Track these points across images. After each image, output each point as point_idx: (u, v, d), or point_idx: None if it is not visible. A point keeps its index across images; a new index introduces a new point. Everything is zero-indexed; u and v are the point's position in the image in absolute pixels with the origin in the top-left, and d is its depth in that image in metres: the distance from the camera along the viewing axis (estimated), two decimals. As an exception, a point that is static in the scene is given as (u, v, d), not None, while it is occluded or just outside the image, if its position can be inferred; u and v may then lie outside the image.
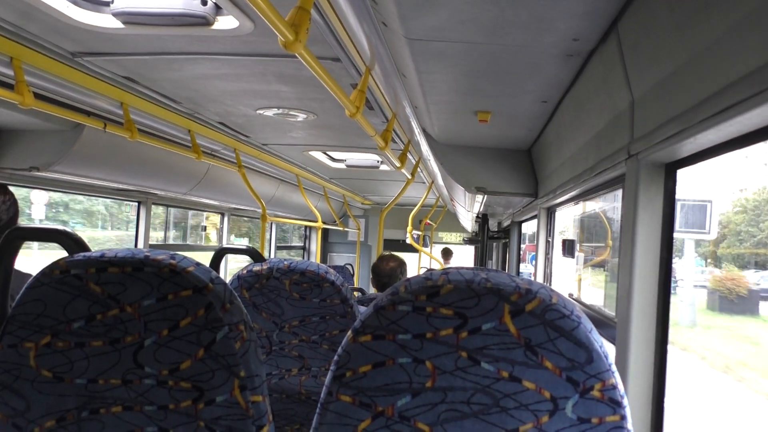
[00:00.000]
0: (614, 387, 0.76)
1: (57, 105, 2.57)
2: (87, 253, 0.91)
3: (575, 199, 2.74)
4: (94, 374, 0.89)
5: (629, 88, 1.54)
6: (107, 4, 1.95)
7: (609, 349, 0.79)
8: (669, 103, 1.30)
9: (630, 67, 1.50)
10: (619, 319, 1.59)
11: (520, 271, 5.36)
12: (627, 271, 1.53)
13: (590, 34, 1.57)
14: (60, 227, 0.99)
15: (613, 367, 0.77)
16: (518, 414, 0.77)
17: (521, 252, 5.34)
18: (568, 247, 3.39)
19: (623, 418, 0.76)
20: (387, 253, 3.46)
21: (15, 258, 1.05)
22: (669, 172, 1.50)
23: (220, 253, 1.84)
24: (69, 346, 0.89)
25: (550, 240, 3.51)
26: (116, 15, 1.95)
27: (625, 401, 0.77)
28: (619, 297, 1.61)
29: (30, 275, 1.82)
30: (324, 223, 6.87)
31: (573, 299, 3.34)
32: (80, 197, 6.27)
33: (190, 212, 6.52)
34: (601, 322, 2.07)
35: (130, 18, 1.95)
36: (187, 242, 6.76)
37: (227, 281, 1.01)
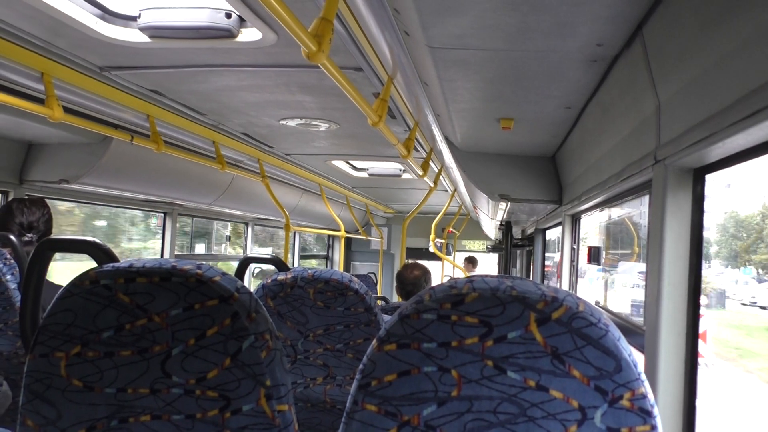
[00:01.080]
0: (644, 396, 0.74)
1: (85, 118, 2.63)
2: (116, 264, 0.93)
3: (601, 205, 2.71)
4: (123, 383, 0.91)
5: (655, 93, 1.52)
6: (134, 19, 1.99)
7: (638, 358, 0.78)
8: (696, 107, 1.28)
9: (655, 71, 1.48)
10: (648, 327, 1.56)
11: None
12: (655, 279, 1.51)
13: (614, 38, 1.56)
14: (90, 238, 1.01)
15: (643, 376, 0.75)
16: (546, 424, 0.76)
17: (545, 264, 5.23)
18: (594, 255, 3.34)
19: (654, 428, 0.75)
20: (411, 262, 3.46)
21: (47, 269, 1.07)
22: (697, 177, 1.47)
23: (244, 263, 1.85)
24: (99, 355, 0.91)
25: (575, 247, 3.47)
26: (143, 29, 1.99)
27: (656, 411, 0.75)
28: (647, 304, 1.58)
29: (60, 286, 1.87)
30: (347, 232, 6.89)
31: (600, 307, 3.29)
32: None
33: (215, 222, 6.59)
34: (630, 330, 2.03)
35: (156, 32, 1.99)
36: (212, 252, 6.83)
37: (252, 290, 1.01)
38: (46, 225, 2.16)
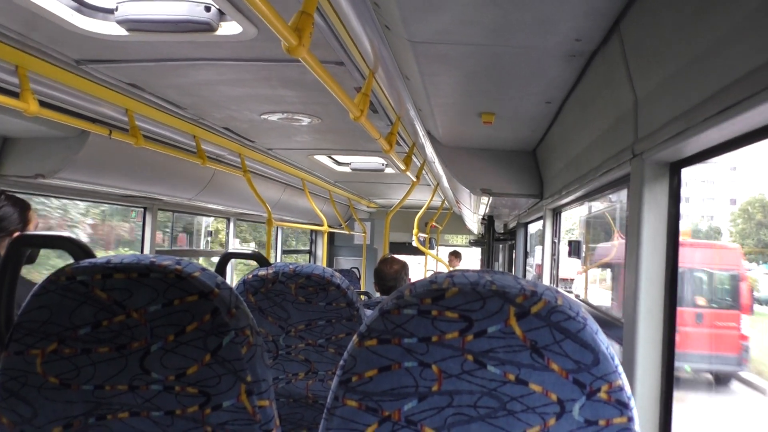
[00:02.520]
0: (621, 388, 0.76)
1: (62, 112, 2.59)
2: (93, 260, 0.92)
3: (581, 199, 2.73)
4: (101, 380, 0.90)
5: (632, 88, 1.53)
6: (111, 12, 1.96)
7: (616, 350, 0.79)
8: (673, 102, 1.30)
9: (633, 66, 1.49)
10: (626, 320, 1.58)
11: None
12: (633, 272, 1.53)
13: (593, 34, 1.57)
14: (65, 234, 0.99)
15: (620, 369, 0.76)
16: (525, 417, 0.76)
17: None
18: (574, 248, 3.38)
19: (630, 419, 0.76)
20: (389, 256, 3.46)
21: (21, 265, 1.05)
22: (674, 171, 1.49)
23: (225, 258, 1.84)
24: (75, 352, 0.90)
25: (555, 241, 3.50)
26: (120, 22, 1.96)
27: (633, 403, 0.76)
28: (625, 297, 1.60)
29: (34, 283, 1.84)
30: (330, 226, 6.87)
31: (579, 300, 3.32)
32: None
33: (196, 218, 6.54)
34: (608, 322, 2.06)
35: (134, 25, 1.96)
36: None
37: (233, 285, 1.01)
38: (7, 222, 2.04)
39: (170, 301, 0.88)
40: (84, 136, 3.07)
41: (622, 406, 0.76)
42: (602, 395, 0.75)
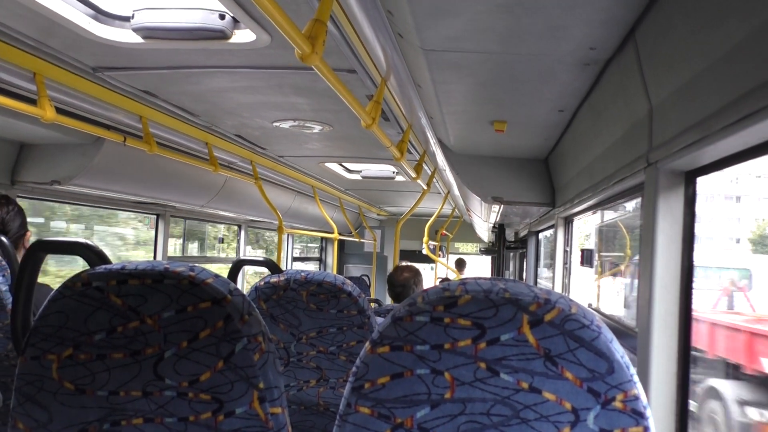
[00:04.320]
0: (637, 398, 0.75)
1: (78, 119, 2.61)
2: (108, 266, 0.92)
3: (593, 208, 2.72)
4: (115, 386, 0.90)
5: (647, 96, 1.53)
6: (127, 20, 1.98)
7: (630, 360, 0.78)
8: (688, 111, 1.29)
9: (648, 74, 1.49)
10: (640, 329, 1.57)
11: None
12: (647, 281, 1.51)
13: (607, 42, 1.56)
14: (82, 240, 1.00)
15: (635, 378, 0.75)
16: (539, 425, 0.76)
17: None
18: (587, 257, 3.36)
19: (646, 429, 0.75)
20: (404, 264, 3.47)
21: (38, 270, 1.06)
22: (689, 180, 1.48)
23: (237, 265, 1.85)
24: (90, 358, 0.90)
25: (568, 250, 3.48)
26: (136, 30, 1.98)
27: (648, 412, 0.76)
28: (639, 307, 1.59)
29: (51, 288, 1.85)
30: (340, 234, 6.88)
31: (592, 309, 3.30)
32: None
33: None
34: (622, 332, 2.04)
35: (149, 33, 1.98)
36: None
37: (245, 293, 1.01)
38: (16, 222, 2.01)
39: (183, 307, 0.88)
40: (99, 142, 3.10)
41: (638, 416, 0.75)
42: (617, 404, 0.75)
